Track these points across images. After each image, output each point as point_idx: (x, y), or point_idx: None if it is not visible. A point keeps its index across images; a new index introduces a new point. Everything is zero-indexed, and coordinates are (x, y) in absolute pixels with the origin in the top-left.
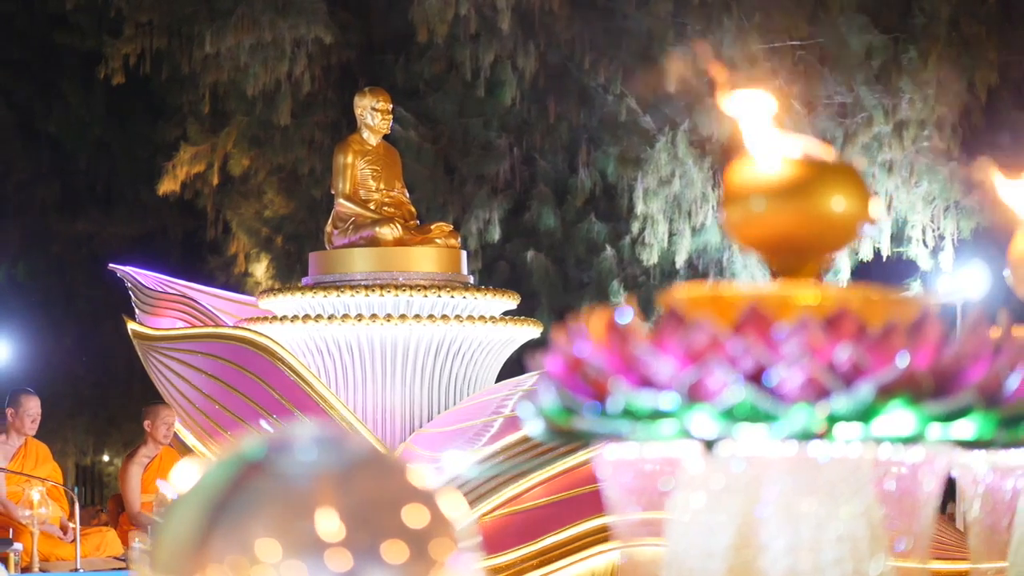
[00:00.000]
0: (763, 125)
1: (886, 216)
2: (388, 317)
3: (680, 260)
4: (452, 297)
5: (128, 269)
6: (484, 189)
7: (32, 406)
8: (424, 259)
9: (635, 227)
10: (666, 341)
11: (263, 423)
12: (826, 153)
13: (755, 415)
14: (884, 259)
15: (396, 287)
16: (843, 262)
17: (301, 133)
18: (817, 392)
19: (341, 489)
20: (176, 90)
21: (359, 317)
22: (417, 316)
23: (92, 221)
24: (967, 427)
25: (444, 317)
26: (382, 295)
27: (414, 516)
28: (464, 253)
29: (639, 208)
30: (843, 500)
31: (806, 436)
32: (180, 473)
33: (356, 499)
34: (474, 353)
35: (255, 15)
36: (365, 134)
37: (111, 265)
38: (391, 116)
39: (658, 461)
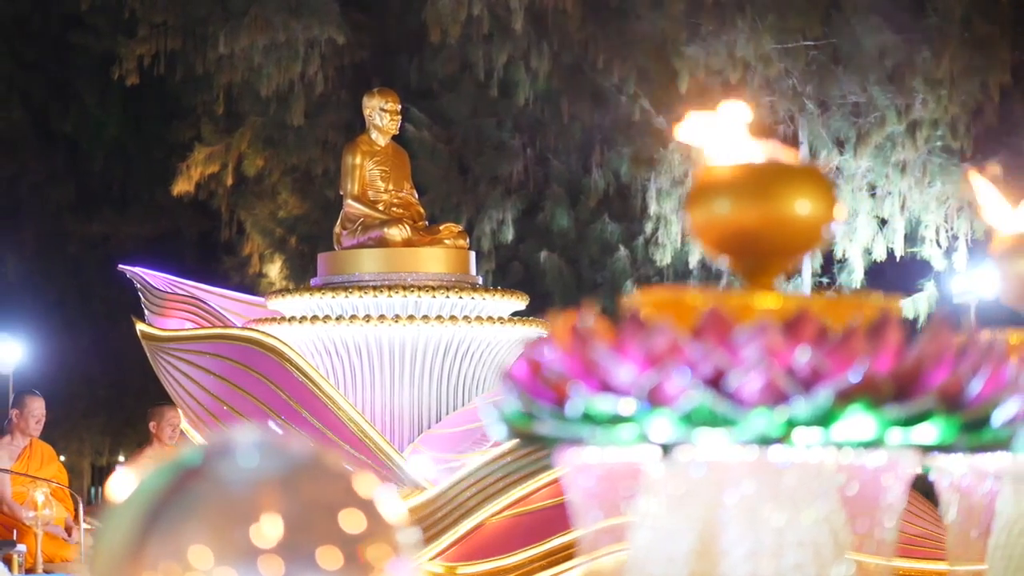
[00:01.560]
0: (729, 131)
1: (899, 216)
2: (396, 318)
3: (693, 260)
4: (461, 298)
5: (137, 270)
6: (497, 189)
7: (36, 407)
8: (433, 260)
9: (648, 227)
10: (626, 345)
11: (271, 424)
12: (791, 157)
13: (714, 420)
14: (898, 259)
15: (404, 288)
16: (856, 262)
17: (315, 133)
18: (776, 396)
19: (277, 495)
20: (190, 91)
21: (367, 318)
22: (425, 317)
23: (107, 222)
24: (928, 431)
25: (453, 318)
26: (390, 296)
27: (350, 521)
28: (473, 254)
29: (652, 208)
30: (805, 505)
31: (766, 441)
32: (120, 479)
33: (292, 505)
34: (483, 354)
35: (268, 16)
36: (374, 135)
37: (120, 266)
38: (399, 117)
39: (620, 466)
